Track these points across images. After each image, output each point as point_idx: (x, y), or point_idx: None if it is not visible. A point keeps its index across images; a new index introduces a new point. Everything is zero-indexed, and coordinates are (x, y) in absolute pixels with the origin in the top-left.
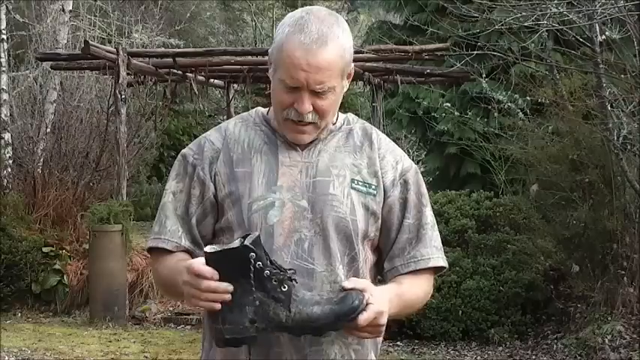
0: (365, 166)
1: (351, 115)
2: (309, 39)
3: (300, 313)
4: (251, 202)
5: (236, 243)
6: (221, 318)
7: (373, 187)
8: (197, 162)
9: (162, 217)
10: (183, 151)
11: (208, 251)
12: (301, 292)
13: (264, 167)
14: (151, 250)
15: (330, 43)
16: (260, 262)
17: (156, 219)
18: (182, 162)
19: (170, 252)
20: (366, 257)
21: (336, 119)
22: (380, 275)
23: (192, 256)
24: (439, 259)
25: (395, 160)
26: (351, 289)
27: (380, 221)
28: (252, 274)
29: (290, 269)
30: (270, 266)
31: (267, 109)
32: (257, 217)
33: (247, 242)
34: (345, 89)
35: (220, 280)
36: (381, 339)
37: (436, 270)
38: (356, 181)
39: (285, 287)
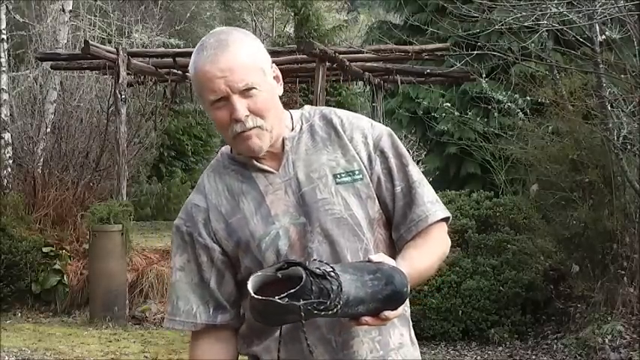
0: (341, 155)
1: (307, 110)
2: (212, 49)
3: (345, 314)
4: (258, 242)
5: (273, 267)
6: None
7: (357, 172)
8: (191, 229)
9: (174, 298)
10: (175, 222)
11: (251, 291)
12: (347, 288)
13: (253, 206)
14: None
15: (231, 45)
16: (308, 306)
17: (167, 298)
18: (177, 233)
19: (196, 333)
20: (377, 241)
21: (292, 122)
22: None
23: (214, 328)
24: (437, 213)
25: (363, 136)
26: (392, 269)
27: (377, 200)
28: (302, 320)
29: (332, 271)
30: (317, 300)
31: (230, 147)
32: (270, 253)
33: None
34: (280, 92)
35: (268, 311)
36: (409, 313)
37: (444, 221)
38: (339, 175)
39: (332, 311)
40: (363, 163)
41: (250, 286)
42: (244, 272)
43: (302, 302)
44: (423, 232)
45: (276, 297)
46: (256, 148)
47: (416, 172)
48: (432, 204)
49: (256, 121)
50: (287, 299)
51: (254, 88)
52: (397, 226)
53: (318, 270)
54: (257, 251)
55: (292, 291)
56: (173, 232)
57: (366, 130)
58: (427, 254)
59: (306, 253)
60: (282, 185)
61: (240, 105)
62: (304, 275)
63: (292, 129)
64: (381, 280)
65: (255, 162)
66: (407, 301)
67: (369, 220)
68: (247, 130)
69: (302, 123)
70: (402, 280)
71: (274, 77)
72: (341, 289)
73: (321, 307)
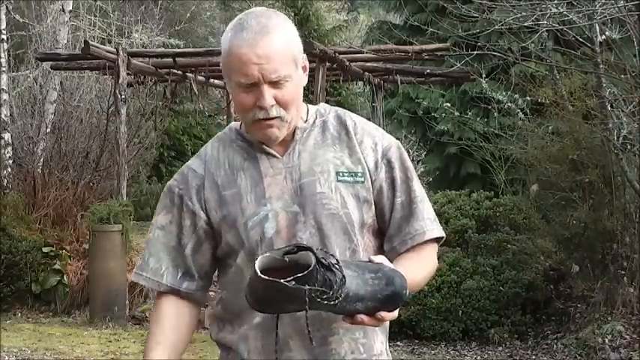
0: (347, 155)
1: (322, 106)
2: (252, 33)
3: (342, 309)
4: (245, 220)
5: (282, 250)
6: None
7: (360, 174)
8: (183, 192)
9: (146, 254)
10: (169, 182)
11: (258, 270)
12: (349, 283)
13: (249, 184)
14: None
15: (272, 32)
16: (313, 294)
17: (142, 253)
18: (168, 194)
19: (160, 293)
20: (366, 245)
21: (307, 115)
22: None
23: (178, 293)
24: (434, 231)
25: (373, 142)
26: (393, 271)
27: (374, 206)
28: (307, 307)
29: (337, 264)
30: (321, 289)
31: (240, 122)
32: (254, 233)
33: (299, 256)
34: (305, 82)
35: (269, 295)
36: (387, 324)
37: (436, 240)
38: (341, 173)
39: (333, 303)
40: (368, 168)
41: (257, 266)
42: (225, 248)
43: (308, 288)
44: (417, 247)
45: (282, 279)
46: (273, 138)
47: (418, 187)
48: (430, 221)
49: (280, 111)
50: (294, 282)
51: (285, 80)
52: (390, 238)
53: (324, 260)
54: (242, 228)
55: (300, 275)
56: (164, 192)
57: (376, 137)
58: (419, 268)
59: (294, 242)
60: (282, 171)
61: (269, 94)
62: (314, 260)
63: (306, 121)
64: (381, 280)
65: (263, 143)
66: None
67: (361, 223)
68: (269, 119)
69: (316, 117)
70: (402, 282)
71: (302, 67)
72: (344, 282)
73: (324, 297)
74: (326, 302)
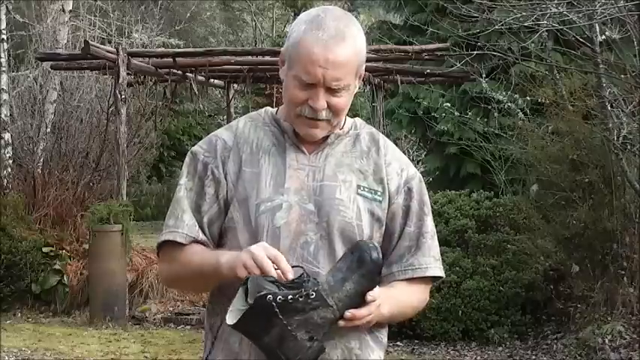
0: (371, 172)
1: (358, 120)
2: (327, 35)
3: (341, 300)
4: (259, 203)
5: (240, 294)
6: (285, 356)
7: (379, 193)
8: (209, 160)
9: (179, 211)
10: (194, 148)
11: (231, 323)
12: (323, 279)
13: (271, 169)
14: (164, 243)
15: (347, 40)
16: (280, 297)
17: (169, 213)
18: (193, 160)
19: (182, 245)
20: None
21: (344, 123)
22: None
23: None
24: (436, 269)
25: (400, 168)
26: (355, 246)
27: (384, 227)
28: (278, 311)
29: (302, 274)
30: (287, 291)
31: (277, 108)
32: (264, 218)
33: (253, 287)
34: (357, 90)
35: (254, 330)
36: (385, 340)
37: (433, 279)
38: (362, 187)
39: (312, 294)
40: (389, 191)
41: (229, 319)
42: (228, 223)
43: (265, 293)
44: (414, 281)
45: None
46: (314, 136)
47: (431, 224)
48: (435, 259)
49: (329, 115)
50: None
51: (343, 89)
52: (391, 264)
53: (270, 279)
54: (253, 209)
55: (254, 283)
56: (189, 156)
57: (404, 164)
58: (410, 297)
59: (302, 240)
60: (306, 168)
61: (323, 98)
62: (250, 277)
63: (341, 128)
64: (347, 256)
65: (295, 136)
66: (385, 328)
67: (369, 239)
68: (316, 119)
69: (351, 128)
70: (367, 243)
71: (359, 75)
72: (317, 281)
73: (297, 296)
74: (302, 299)
